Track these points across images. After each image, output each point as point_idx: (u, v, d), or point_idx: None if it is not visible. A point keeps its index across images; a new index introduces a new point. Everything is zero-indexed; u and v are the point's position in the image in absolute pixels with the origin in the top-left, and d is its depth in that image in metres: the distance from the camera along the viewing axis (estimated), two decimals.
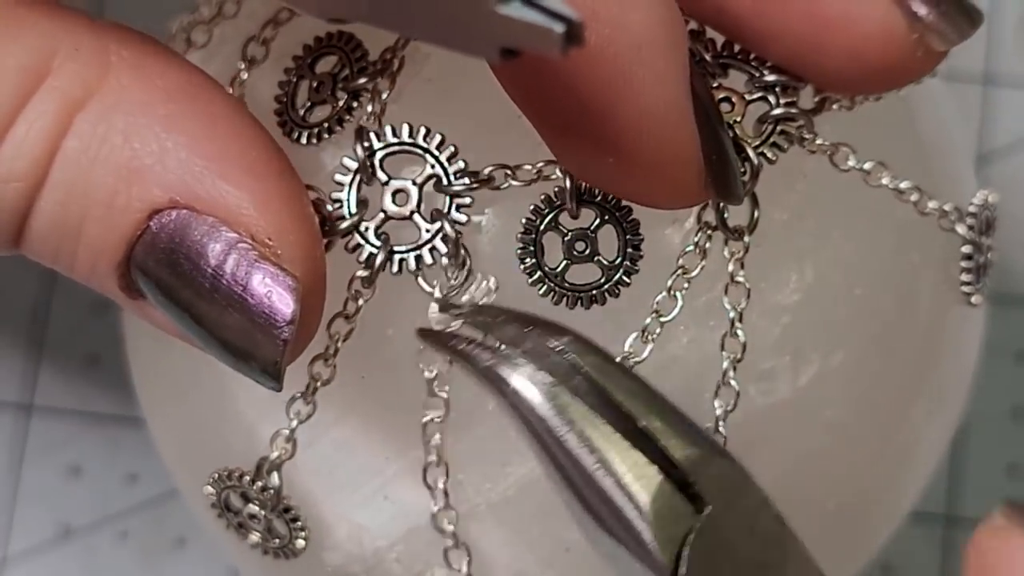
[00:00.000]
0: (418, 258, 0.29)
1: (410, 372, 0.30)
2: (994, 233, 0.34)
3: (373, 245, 0.29)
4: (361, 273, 0.29)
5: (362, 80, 0.30)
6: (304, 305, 0.26)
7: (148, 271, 0.26)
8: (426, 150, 0.29)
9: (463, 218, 0.29)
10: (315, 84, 0.30)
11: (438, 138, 0.29)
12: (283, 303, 0.26)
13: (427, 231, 0.29)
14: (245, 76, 0.31)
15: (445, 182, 0.29)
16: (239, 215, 0.26)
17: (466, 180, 0.29)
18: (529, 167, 0.29)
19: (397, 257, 0.29)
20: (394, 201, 0.29)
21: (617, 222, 0.29)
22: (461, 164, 0.29)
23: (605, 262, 0.29)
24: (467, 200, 0.29)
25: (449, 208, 0.29)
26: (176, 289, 0.26)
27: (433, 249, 0.29)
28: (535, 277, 0.29)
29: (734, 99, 0.29)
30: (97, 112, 0.26)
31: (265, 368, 0.26)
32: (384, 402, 0.31)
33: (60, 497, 0.43)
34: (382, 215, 0.29)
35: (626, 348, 0.29)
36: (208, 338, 0.26)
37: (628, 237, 0.29)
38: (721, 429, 0.30)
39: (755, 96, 0.29)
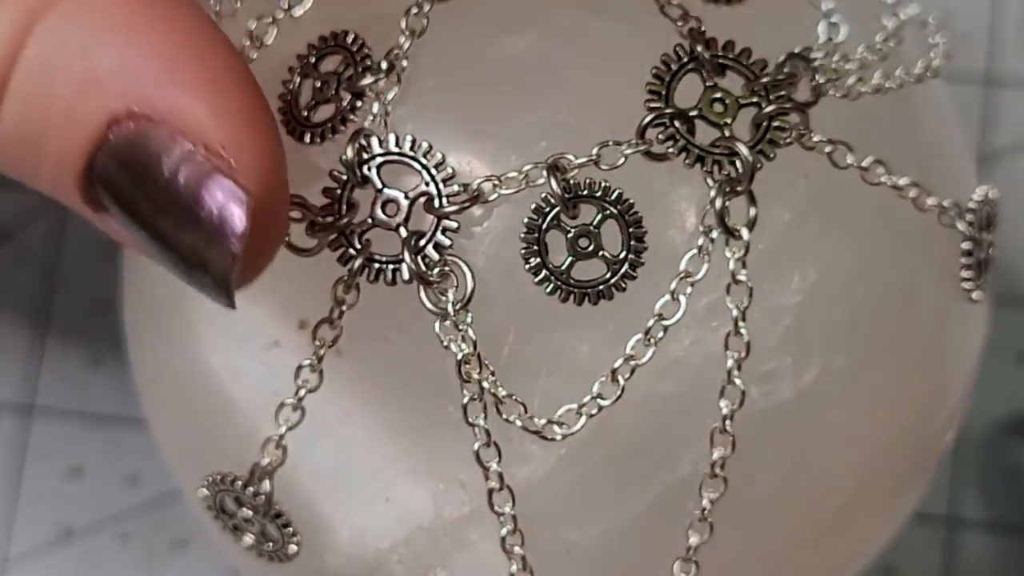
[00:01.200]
0: (395, 271, 0.29)
1: (412, 373, 0.30)
2: (995, 229, 0.34)
3: (353, 248, 0.29)
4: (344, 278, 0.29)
5: (366, 80, 0.30)
6: (258, 220, 0.25)
7: (107, 183, 0.26)
8: (425, 167, 0.29)
9: (447, 241, 0.29)
10: (319, 83, 0.30)
11: (438, 156, 0.29)
12: (234, 217, 0.25)
13: (406, 248, 0.29)
14: None
15: (437, 204, 0.29)
16: (195, 125, 0.25)
17: (457, 196, 0.29)
18: (514, 173, 0.29)
19: (376, 266, 0.29)
20: (384, 210, 0.29)
21: (619, 216, 0.29)
22: (456, 187, 0.29)
23: (610, 257, 0.29)
24: (454, 224, 0.29)
25: (434, 231, 0.29)
26: (133, 201, 0.26)
27: (409, 268, 0.29)
28: (540, 276, 0.29)
29: (727, 100, 0.29)
30: (57, 21, 0.25)
31: (215, 282, 0.26)
32: (386, 403, 0.31)
33: (61, 498, 0.43)
34: (370, 221, 0.29)
35: (628, 351, 0.29)
36: (162, 250, 0.26)
37: (631, 230, 0.29)
38: (728, 428, 0.30)
39: (750, 100, 0.29)
